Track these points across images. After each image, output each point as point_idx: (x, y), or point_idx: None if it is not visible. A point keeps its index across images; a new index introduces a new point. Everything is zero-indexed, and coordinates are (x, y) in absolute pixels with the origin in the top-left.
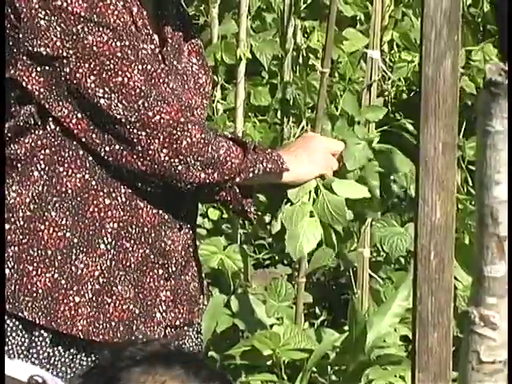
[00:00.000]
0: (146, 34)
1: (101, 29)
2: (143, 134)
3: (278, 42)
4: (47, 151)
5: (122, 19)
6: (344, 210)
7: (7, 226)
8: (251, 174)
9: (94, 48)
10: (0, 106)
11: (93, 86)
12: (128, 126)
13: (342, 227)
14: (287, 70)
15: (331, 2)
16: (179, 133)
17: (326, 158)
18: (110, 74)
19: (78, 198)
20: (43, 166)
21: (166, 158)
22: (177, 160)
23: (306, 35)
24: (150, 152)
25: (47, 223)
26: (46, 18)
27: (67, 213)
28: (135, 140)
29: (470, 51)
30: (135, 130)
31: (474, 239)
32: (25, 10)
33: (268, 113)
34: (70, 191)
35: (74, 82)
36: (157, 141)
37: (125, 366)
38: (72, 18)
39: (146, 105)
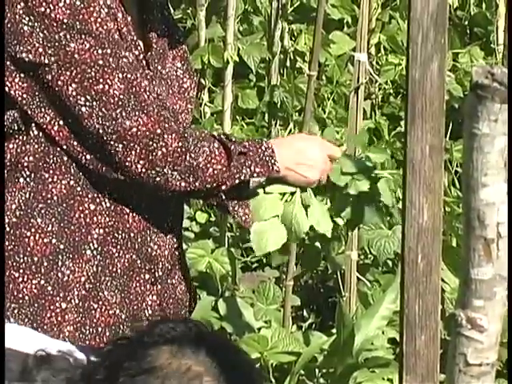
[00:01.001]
0: (130, 41)
1: (83, 36)
2: (120, 146)
3: (265, 45)
4: (31, 158)
5: (105, 27)
6: (301, 232)
7: None
8: (237, 181)
9: (76, 56)
10: (0, 106)
11: (74, 93)
12: (105, 138)
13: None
14: (274, 73)
15: (318, 4)
16: (155, 144)
17: (323, 161)
18: (91, 81)
19: (64, 205)
20: (28, 172)
21: (143, 170)
22: (154, 171)
23: (293, 38)
24: (127, 164)
25: (33, 230)
26: (30, 23)
27: (53, 219)
28: (112, 151)
29: (457, 54)
30: (112, 142)
31: (461, 242)
32: (9, 14)
33: (255, 116)
34: (55, 197)
35: (56, 89)
36: (133, 152)
37: (153, 342)
38: (55, 24)
39: (124, 114)
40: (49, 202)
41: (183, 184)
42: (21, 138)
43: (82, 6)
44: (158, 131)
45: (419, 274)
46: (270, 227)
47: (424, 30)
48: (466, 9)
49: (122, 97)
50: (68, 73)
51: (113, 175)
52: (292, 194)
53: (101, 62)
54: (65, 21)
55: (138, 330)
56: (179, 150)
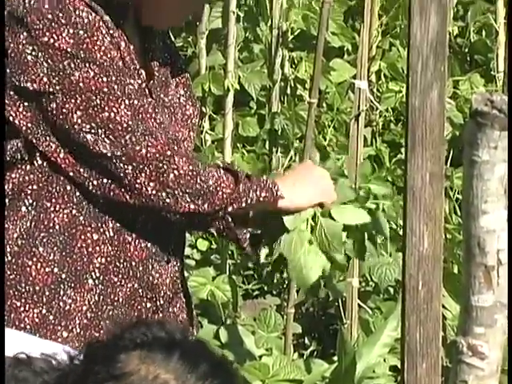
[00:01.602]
0: (133, 69)
1: (87, 65)
2: (130, 167)
3: (265, 72)
4: (34, 186)
5: (108, 55)
6: (341, 236)
7: None
8: (244, 204)
9: (81, 84)
10: (0, 106)
11: (79, 121)
12: (114, 160)
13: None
14: (275, 101)
15: (319, 32)
16: (165, 166)
17: (324, 187)
18: (96, 109)
19: (66, 234)
20: (31, 201)
21: (154, 192)
22: (164, 193)
23: (293, 66)
24: (138, 186)
25: (35, 259)
26: (33, 53)
27: (55, 248)
28: (122, 174)
29: (457, 81)
30: (122, 164)
31: (462, 269)
32: (12, 45)
33: (256, 143)
34: (57, 226)
35: (61, 117)
36: (143, 174)
37: (124, 346)
38: (59, 53)
39: (134, 139)
40: (51, 231)
41: (192, 206)
42: (24, 167)
43: (86, 35)
44: (168, 153)
45: (420, 301)
46: (303, 259)
47: (424, 57)
48: (466, 36)
49: (130, 123)
50: (73, 101)
51: (121, 199)
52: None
53: (106, 90)
54: (69, 50)
55: (112, 334)
56: (190, 172)
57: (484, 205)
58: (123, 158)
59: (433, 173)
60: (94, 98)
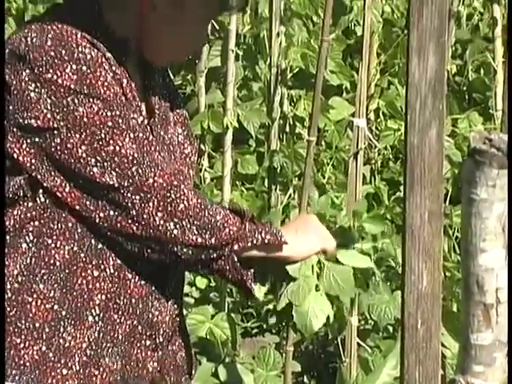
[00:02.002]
0: (135, 106)
1: (91, 100)
2: (137, 197)
3: (264, 110)
4: (36, 223)
5: (112, 90)
6: (352, 279)
7: None
8: (250, 244)
9: (85, 119)
10: (0, 107)
11: (84, 155)
12: (122, 191)
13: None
14: (274, 139)
15: (317, 70)
16: (173, 195)
17: (325, 234)
18: (101, 143)
19: (67, 270)
20: (32, 238)
21: (161, 222)
22: (172, 223)
23: (292, 104)
24: (145, 216)
25: (35, 295)
26: (36, 90)
27: (55, 285)
28: (129, 204)
29: (455, 119)
30: (129, 194)
31: (461, 307)
32: (14, 82)
33: (255, 181)
34: (58, 263)
35: (66, 152)
36: (151, 204)
37: None
38: (62, 90)
39: (140, 171)
40: (51, 267)
41: (199, 240)
42: (26, 204)
43: (89, 71)
44: (175, 183)
45: (419, 340)
46: (310, 306)
47: (422, 96)
48: (464, 75)
49: (136, 155)
50: (77, 135)
51: (128, 231)
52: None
53: (110, 124)
54: (72, 86)
55: None
56: (199, 205)
57: (482, 243)
58: (130, 189)
59: (431, 211)
60: (99, 132)
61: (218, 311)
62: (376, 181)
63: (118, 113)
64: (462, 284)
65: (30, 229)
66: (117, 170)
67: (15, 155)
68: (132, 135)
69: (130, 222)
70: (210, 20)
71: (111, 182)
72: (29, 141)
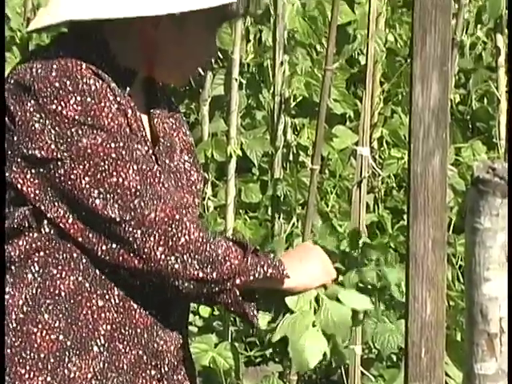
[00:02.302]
0: (140, 137)
1: (95, 131)
2: (138, 232)
3: (268, 139)
4: (41, 254)
5: (116, 121)
6: (348, 320)
7: None
8: (252, 277)
9: (89, 150)
10: (0, 107)
11: (87, 186)
12: (124, 225)
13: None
14: (277, 167)
15: (321, 99)
16: (174, 230)
17: (326, 267)
18: (104, 174)
19: (72, 301)
20: (37, 268)
21: (163, 256)
22: (173, 258)
23: (296, 132)
24: (146, 250)
25: (40, 326)
26: (41, 121)
27: (60, 315)
28: (131, 238)
29: (459, 148)
30: (130, 229)
31: (465, 336)
32: (19, 113)
33: (259, 209)
34: (63, 293)
35: (69, 183)
36: (152, 238)
37: None
38: (66, 121)
39: (142, 204)
40: (56, 298)
41: (201, 274)
42: (31, 234)
43: (93, 102)
44: (177, 217)
45: (423, 369)
46: (306, 342)
47: (426, 125)
48: (467, 104)
49: (138, 187)
50: (81, 167)
51: (129, 265)
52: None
53: (114, 156)
54: (76, 117)
55: None
56: (200, 239)
57: (486, 272)
58: (132, 223)
59: (435, 239)
60: (102, 163)
61: (221, 340)
62: (379, 209)
63: (121, 144)
64: (465, 313)
65: (36, 259)
66: (119, 202)
67: (19, 185)
68: (135, 167)
69: (131, 255)
70: (215, 29)
71: (113, 216)
72: (33, 171)
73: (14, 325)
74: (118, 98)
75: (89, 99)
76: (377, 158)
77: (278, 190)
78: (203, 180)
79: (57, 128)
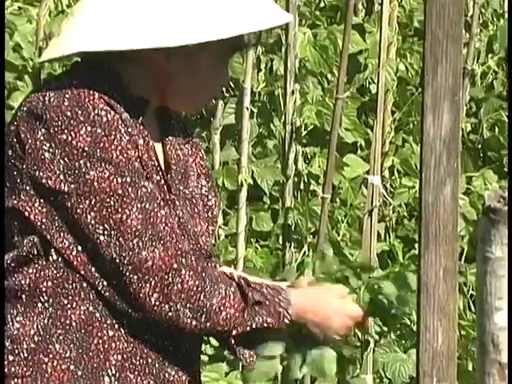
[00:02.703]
0: (151, 166)
1: (103, 164)
2: (135, 277)
3: (279, 167)
4: (49, 283)
5: (125, 155)
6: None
7: (11, 358)
8: (248, 328)
9: (95, 184)
10: (0, 106)
11: (93, 222)
12: (121, 268)
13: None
14: (288, 196)
15: (332, 128)
16: (171, 278)
17: (344, 322)
18: (110, 210)
19: (82, 331)
20: (46, 297)
21: (157, 303)
22: (167, 306)
23: (307, 161)
24: (141, 295)
25: (51, 355)
26: (51, 150)
27: (71, 345)
28: (127, 282)
29: (470, 177)
30: (127, 273)
31: (476, 366)
32: (30, 141)
33: (270, 238)
34: (74, 324)
35: (75, 216)
36: (148, 285)
37: None
38: (75, 152)
39: (141, 244)
40: (67, 328)
41: (194, 323)
42: (40, 262)
43: (103, 133)
44: (175, 266)
45: None
46: None
47: (437, 154)
48: (479, 132)
49: (139, 227)
50: (87, 201)
51: (125, 308)
52: None
53: (120, 192)
54: (86, 149)
55: None
56: (195, 288)
57: (498, 301)
58: (130, 268)
59: (446, 269)
60: (108, 199)
61: (231, 369)
62: (391, 238)
63: (128, 180)
64: (477, 342)
65: (44, 289)
66: (120, 239)
67: (26, 213)
68: (139, 205)
69: (128, 298)
70: (227, 60)
71: (114, 255)
72: (41, 200)
73: (26, 354)
74: (130, 129)
75: (99, 130)
76: (388, 186)
77: (289, 219)
78: (219, 205)
79: (66, 158)
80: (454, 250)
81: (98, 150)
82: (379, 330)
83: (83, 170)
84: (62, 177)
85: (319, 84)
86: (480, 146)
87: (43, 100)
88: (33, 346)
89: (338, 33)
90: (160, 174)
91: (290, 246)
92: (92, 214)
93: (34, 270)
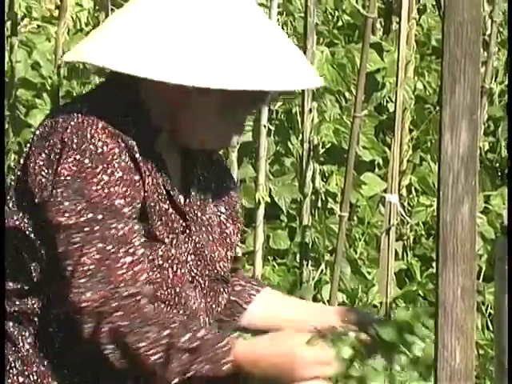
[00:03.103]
0: (158, 195)
1: (78, 197)
2: (76, 316)
3: (296, 185)
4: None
5: (106, 190)
6: None
7: (21, 379)
8: (183, 375)
9: (66, 215)
10: (0, 105)
11: (61, 257)
12: (67, 304)
13: None
14: (306, 214)
15: (350, 146)
16: (103, 321)
17: (300, 375)
18: (75, 247)
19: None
20: (57, 323)
21: (91, 341)
22: (101, 346)
23: (324, 179)
24: (80, 333)
25: (59, 380)
26: (47, 176)
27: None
28: (73, 317)
29: (488, 196)
30: (70, 310)
31: None
32: (32, 164)
33: (287, 256)
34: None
35: (51, 245)
36: (84, 325)
37: None
38: (57, 179)
39: (88, 285)
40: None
41: (124, 364)
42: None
43: (89, 165)
44: (105, 309)
45: None
46: None
47: (455, 172)
48: (497, 151)
49: (92, 267)
50: (56, 235)
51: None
52: None
53: (86, 229)
54: (68, 178)
55: None
56: (122, 328)
57: None
58: (71, 307)
59: (464, 288)
60: (74, 235)
61: None
62: (408, 257)
63: (99, 217)
64: (495, 361)
65: (55, 312)
66: (73, 277)
67: (27, 232)
68: (101, 245)
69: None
70: (245, 116)
71: (67, 292)
72: (28, 216)
73: (35, 377)
74: (131, 162)
75: (86, 161)
76: (405, 205)
77: (306, 237)
78: (240, 232)
79: (53, 185)
80: (471, 268)
81: (78, 181)
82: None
83: (58, 199)
84: (46, 203)
85: (337, 102)
86: (498, 165)
87: (51, 125)
88: (42, 369)
89: (356, 51)
90: (168, 202)
91: (307, 264)
92: (62, 248)
93: (42, 295)
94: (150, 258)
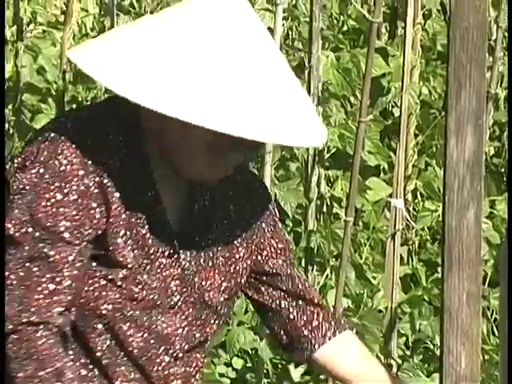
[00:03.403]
0: (137, 218)
1: (26, 210)
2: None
3: (301, 190)
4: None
5: (53, 210)
6: None
7: None
8: None
9: (13, 222)
10: (0, 105)
11: (7, 273)
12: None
13: None
14: (311, 219)
15: (355, 151)
16: (9, 339)
17: None
18: (9, 257)
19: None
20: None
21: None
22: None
23: (329, 184)
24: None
25: None
26: (17, 184)
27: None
28: None
29: (493, 201)
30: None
31: None
32: (12, 171)
33: None
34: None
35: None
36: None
37: None
38: (15, 188)
39: (6, 300)
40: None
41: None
42: None
43: (48, 180)
44: (10, 326)
45: None
46: None
47: (460, 177)
48: (502, 156)
49: (14, 283)
50: (8, 245)
51: None
52: None
53: (23, 244)
54: (27, 188)
55: None
56: (9, 352)
57: None
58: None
59: (470, 293)
60: (12, 246)
61: None
62: (413, 262)
63: (36, 234)
64: (500, 367)
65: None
66: (5, 285)
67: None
68: (27, 264)
69: None
70: (239, 156)
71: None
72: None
73: None
74: (105, 182)
75: (46, 176)
76: (411, 210)
77: (311, 242)
78: (251, 255)
79: (14, 191)
80: (477, 273)
81: (33, 193)
82: (402, 354)
83: (13, 205)
84: (8, 207)
85: (342, 107)
86: (503, 170)
87: (38, 133)
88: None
89: (361, 56)
90: (147, 228)
91: (312, 269)
92: (6, 253)
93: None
94: (110, 277)
